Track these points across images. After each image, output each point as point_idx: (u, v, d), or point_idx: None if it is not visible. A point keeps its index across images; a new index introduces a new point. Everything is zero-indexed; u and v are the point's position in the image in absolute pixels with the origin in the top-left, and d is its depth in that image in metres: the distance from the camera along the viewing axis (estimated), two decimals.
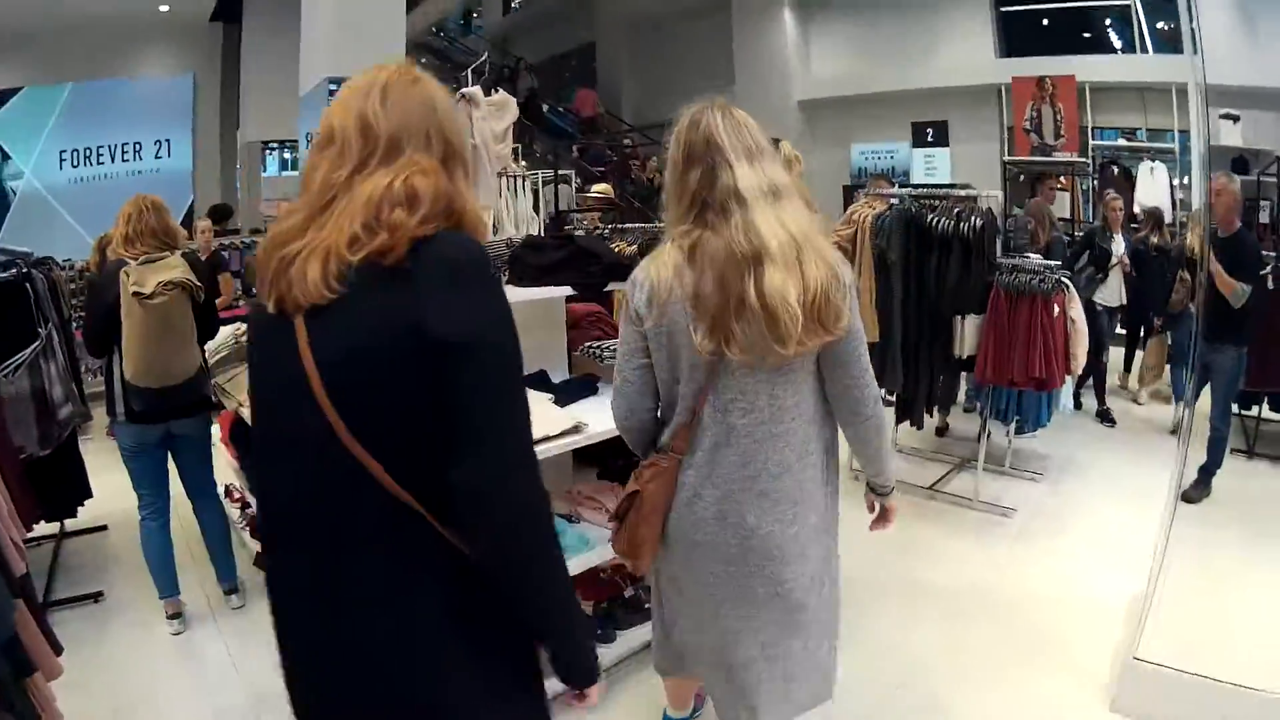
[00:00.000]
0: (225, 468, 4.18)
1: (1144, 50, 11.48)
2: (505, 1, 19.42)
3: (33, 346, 3.66)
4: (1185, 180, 10.50)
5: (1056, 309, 4.55)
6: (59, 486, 4.05)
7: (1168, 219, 9.21)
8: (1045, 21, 12.33)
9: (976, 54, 12.33)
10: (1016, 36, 12.37)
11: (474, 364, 1.17)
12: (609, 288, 3.08)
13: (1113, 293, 6.54)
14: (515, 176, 3.56)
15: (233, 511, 4.44)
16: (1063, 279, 4.65)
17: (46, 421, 3.69)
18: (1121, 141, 11.37)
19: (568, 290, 3.00)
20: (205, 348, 3.60)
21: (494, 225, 3.32)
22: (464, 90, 3.11)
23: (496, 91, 3.20)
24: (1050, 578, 4.03)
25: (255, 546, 4.10)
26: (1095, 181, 10.96)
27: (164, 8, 13.21)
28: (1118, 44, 11.99)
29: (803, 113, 13.82)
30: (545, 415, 2.63)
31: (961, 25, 12.54)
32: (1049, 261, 4.85)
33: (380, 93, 1.28)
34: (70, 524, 4.48)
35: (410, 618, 1.23)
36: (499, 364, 1.21)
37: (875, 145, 13.35)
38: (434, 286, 1.17)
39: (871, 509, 2.27)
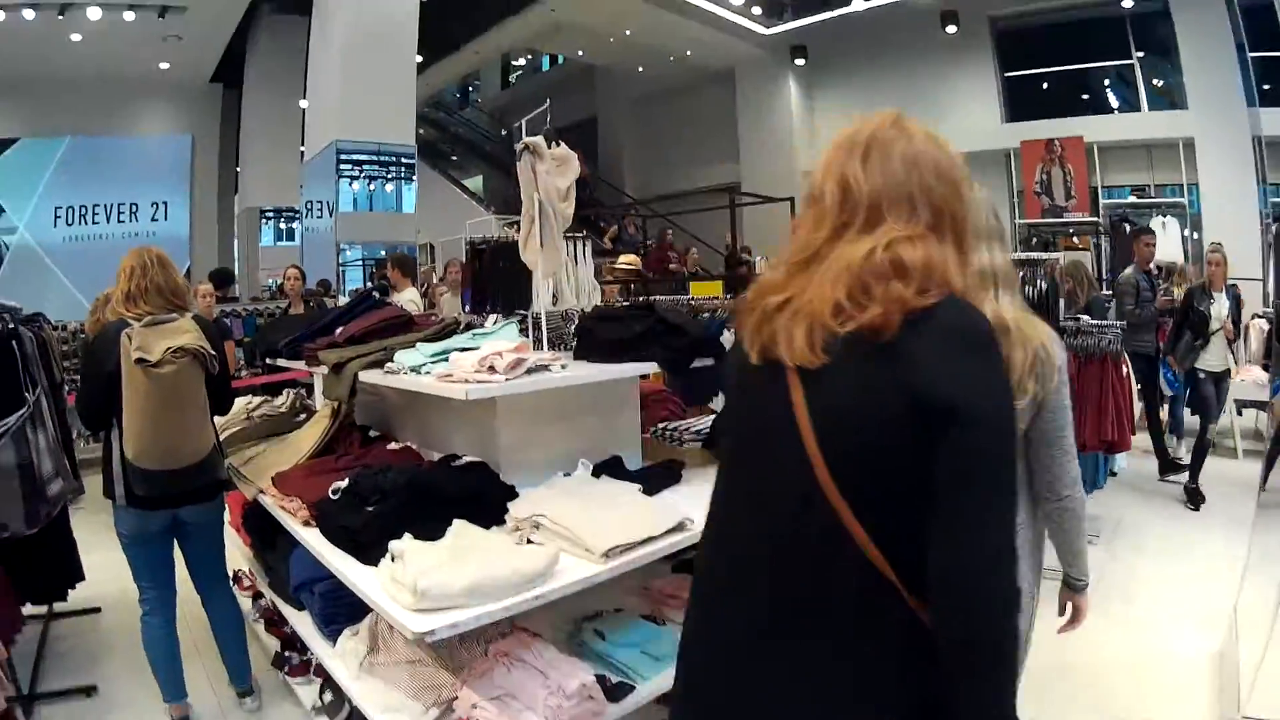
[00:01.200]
0: (234, 552, 3.75)
1: (1143, 108, 11.65)
2: (504, 75, 19.43)
3: (19, 414, 3.19)
4: (1195, 235, 10.52)
5: (1125, 369, 4.53)
6: (47, 568, 3.65)
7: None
8: (1046, 85, 12.48)
9: (983, 119, 12.45)
10: (1020, 100, 12.51)
11: (972, 436, 1.11)
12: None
13: (1216, 357, 5.98)
14: (578, 239, 3.22)
15: (245, 601, 3.99)
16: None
17: (34, 498, 3.22)
18: (1131, 198, 11.37)
19: (644, 367, 2.66)
20: (216, 423, 3.21)
21: (554, 294, 2.98)
22: (527, 140, 2.78)
23: (559, 145, 2.86)
24: (1126, 642, 3.81)
25: (271, 642, 3.67)
26: (1109, 240, 10.89)
27: (164, 65, 13.14)
28: (1115, 103, 12.10)
29: (807, 183, 13.68)
30: (641, 511, 2.27)
31: (967, 91, 12.67)
32: (1109, 322, 4.72)
33: (863, 152, 1.25)
34: (59, 605, 4.05)
35: (875, 705, 1.17)
36: (997, 440, 1.13)
37: None
38: (937, 352, 1.12)
39: (1063, 609, 2.18)
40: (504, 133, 16.48)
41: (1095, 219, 11.04)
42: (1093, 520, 5.31)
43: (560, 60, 19.01)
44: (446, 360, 2.54)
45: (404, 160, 10.88)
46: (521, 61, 20.04)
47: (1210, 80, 10.23)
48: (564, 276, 3.05)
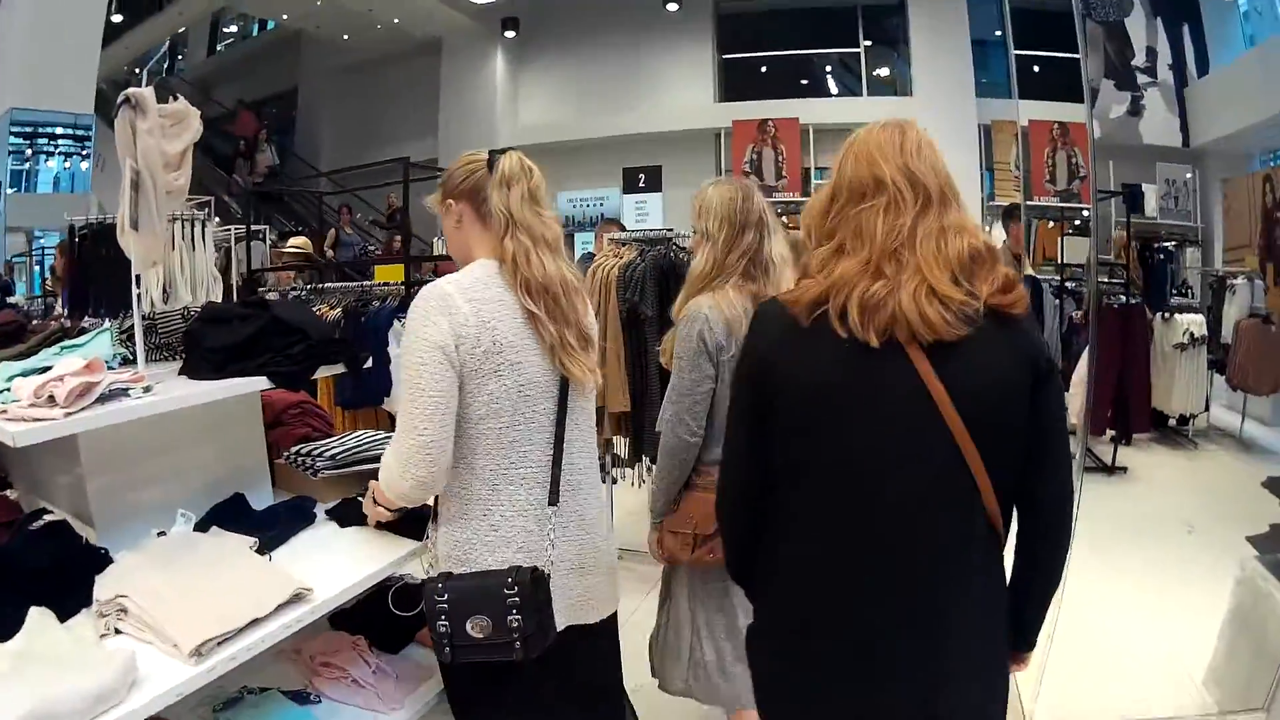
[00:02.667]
0: None
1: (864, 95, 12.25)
2: (211, 42, 17.70)
3: None
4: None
5: None
6: None
7: None
8: (764, 69, 12.85)
9: (696, 98, 12.56)
10: (735, 82, 12.77)
11: (1059, 389, 1.43)
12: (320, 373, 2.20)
13: None
14: (192, 221, 2.57)
15: None
16: None
17: None
18: None
19: (257, 382, 2.05)
20: None
21: (164, 290, 2.32)
22: (130, 92, 2.07)
23: (176, 99, 2.20)
24: None
25: None
26: None
27: None
28: (835, 90, 12.69)
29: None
30: (249, 581, 1.72)
31: (679, 71, 12.77)
32: None
33: (915, 149, 1.41)
34: None
35: (997, 637, 1.41)
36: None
37: (584, 193, 12.99)
38: (1030, 323, 1.38)
39: None
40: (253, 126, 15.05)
41: (806, 199, 11.43)
42: None
43: (270, 26, 17.58)
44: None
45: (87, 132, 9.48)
46: (234, 29, 18.38)
47: (939, 71, 10.85)
48: (177, 267, 2.40)
